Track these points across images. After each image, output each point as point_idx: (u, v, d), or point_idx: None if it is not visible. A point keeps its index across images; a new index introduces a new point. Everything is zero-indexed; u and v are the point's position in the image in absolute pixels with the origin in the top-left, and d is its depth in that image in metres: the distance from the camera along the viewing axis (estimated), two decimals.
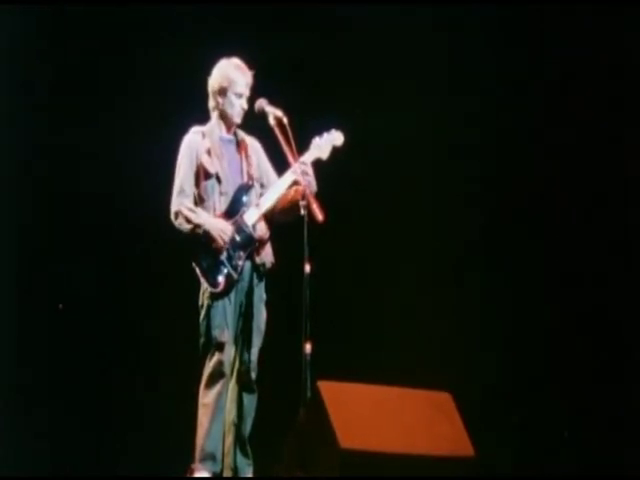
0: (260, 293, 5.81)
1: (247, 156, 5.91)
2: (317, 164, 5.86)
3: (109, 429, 7.23)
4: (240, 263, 5.72)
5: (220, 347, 5.65)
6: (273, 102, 5.83)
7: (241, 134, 5.96)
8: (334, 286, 7.29)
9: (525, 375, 7.32)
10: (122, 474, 6.71)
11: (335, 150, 5.93)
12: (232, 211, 5.78)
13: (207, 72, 5.93)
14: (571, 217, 7.42)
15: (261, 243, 5.81)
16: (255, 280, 5.78)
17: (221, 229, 5.70)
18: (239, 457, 5.71)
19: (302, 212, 5.56)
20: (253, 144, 5.97)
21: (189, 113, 6.02)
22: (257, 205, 5.80)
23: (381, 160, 7.54)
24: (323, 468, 4.90)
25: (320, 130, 5.95)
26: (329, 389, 5.03)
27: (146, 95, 7.30)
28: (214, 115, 5.94)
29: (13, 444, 6.85)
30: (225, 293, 5.68)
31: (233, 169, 5.86)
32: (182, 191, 5.77)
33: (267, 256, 5.84)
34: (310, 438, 4.99)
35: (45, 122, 7.28)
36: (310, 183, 5.69)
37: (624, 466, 6.68)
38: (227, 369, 5.66)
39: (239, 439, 5.70)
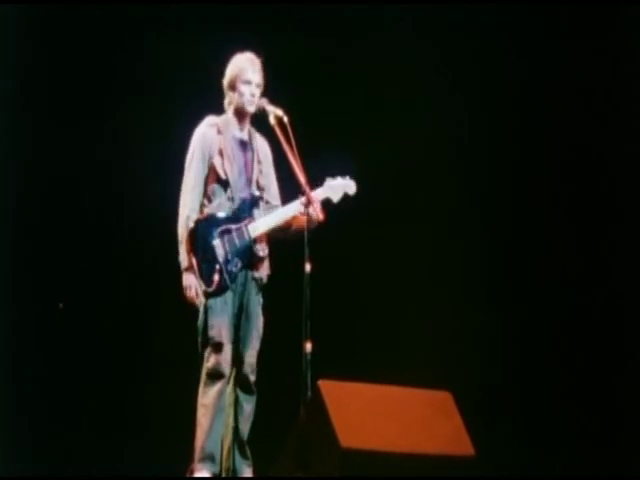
0: (257, 297, 5.80)
1: (258, 162, 5.89)
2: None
3: (109, 429, 7.23)
4: (234, 270, 5.70)
5: (218, 347, 5.64)
6: (274, 102, 5.83)
7: (255, 134, 5.93)
8: (334, 286, 7.28)
9: (525, 375, 7.32)
10: (122, 474, 6.71)
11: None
12: (237, 218, 5.76)
13: (211, 71, 5.91)
14: (572, 217, 7.43)
15: (260, 260, 5.81)
16: (252, 288, 5.78)
17: (189, 285, 5.69)
18: (238, 458, 5.70)
19: (303, 212, 5.57)
20: (264, 148, 5.94)
21: (195, 113, 6.00)
22: (263, 220, 5.78)
23: (382, 160, 7.53)
24: (323, 468, 4.89)
25: (321, 133, 5.94)
26: (329, 388, 5.02)
27: (150, 95, 7.31)
28: (229, 111, 5.90)
29: (13, 444, 6.85)
30: (220, 292, 5.68)
31: (243, 175, 5.84)
32: (195, 186, 5.74)
33: (264, 270, 5.84)
34: (310, 438, 4.98)
35: (47, 121, 7.28)
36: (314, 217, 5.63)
37: (624, 466, 6.69)
38: (226, 369, 5.65)
39: (238, 441, 5.70)
